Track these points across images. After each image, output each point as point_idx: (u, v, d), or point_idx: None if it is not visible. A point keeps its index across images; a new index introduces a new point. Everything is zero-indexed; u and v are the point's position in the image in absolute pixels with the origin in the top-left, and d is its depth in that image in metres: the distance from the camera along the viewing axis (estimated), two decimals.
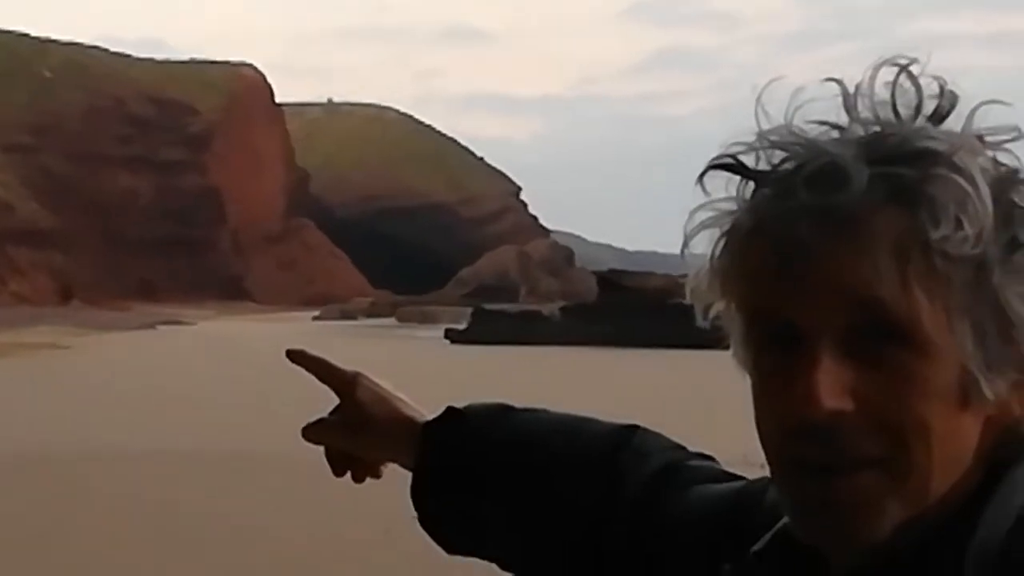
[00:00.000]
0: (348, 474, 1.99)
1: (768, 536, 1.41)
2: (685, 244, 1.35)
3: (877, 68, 1.30)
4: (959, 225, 1.22)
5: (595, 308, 74.37)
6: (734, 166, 1.33)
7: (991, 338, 1.26)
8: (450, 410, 1.91)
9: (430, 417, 1.92)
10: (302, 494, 18.35)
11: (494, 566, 1.88)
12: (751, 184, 1.32)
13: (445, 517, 1.88)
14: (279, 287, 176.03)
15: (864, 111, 1.30)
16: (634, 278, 77.33)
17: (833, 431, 1.24)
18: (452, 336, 73.38)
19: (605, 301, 73.68)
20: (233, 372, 43.07)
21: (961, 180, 1.23)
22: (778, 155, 1.30)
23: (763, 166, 1.31)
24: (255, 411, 29.75)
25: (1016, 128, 1.29)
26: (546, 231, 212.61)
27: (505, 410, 1.90)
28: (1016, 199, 1.27)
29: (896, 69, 1.30)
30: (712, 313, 1.37)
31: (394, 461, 1.95)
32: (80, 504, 17.90)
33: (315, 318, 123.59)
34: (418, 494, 1.90)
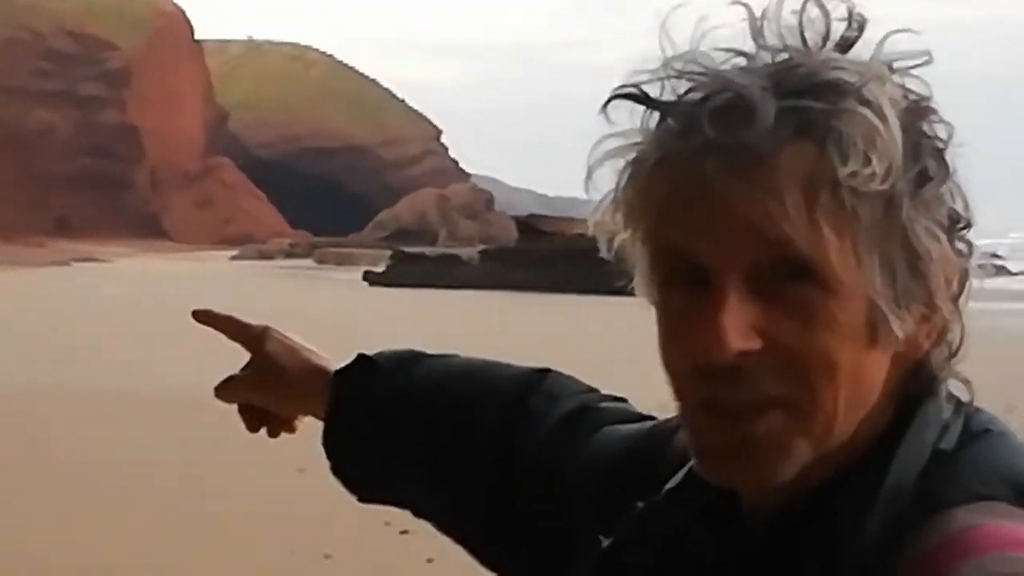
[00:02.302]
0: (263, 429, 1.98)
1: (682, 473, 1.40)
2: (589, 175, 1.32)
3: None
4: (868, 161, 1.20)
5: (514, 252, 74.31)
6: (638, 96, 1.29)
7: (900, 273, 1.24)
8: (360, 357, 1.89)
9: (340, 365, 1.90)
10: (215, 434, 18.32)
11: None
12: (655, 114, 1.29)
13: (357, 464, 1.87)
14: (197, 226, 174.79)
15: (771, 38, 1.27)
16: (554, 223, 77.23)
17: (740, 371, 1.22)
18: (371, 278, 73.12)
19: (524, 246, 73.64)
20: (148, 310, 42.75)
21: (870, 114, 1.21)
22: (683, 85, 1.27)
23: (668, 96, 1.28)
24: (168, 350, 29.58)
25: (927, 53, 1.26)
26: (466, 175, 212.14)
27: (416, 356, 1.89)
28: (925, 129, 1.26)
29: None
30: (616, 244, 1.35)
31: (307, 413, 1.94)
32: None
33: (233, 258, 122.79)
34: (330, 442, 1.89)
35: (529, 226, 77.42)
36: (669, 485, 1.41)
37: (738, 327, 1.21)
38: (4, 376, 24.36)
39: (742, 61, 1.27)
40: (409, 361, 1.88)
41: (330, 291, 64.02)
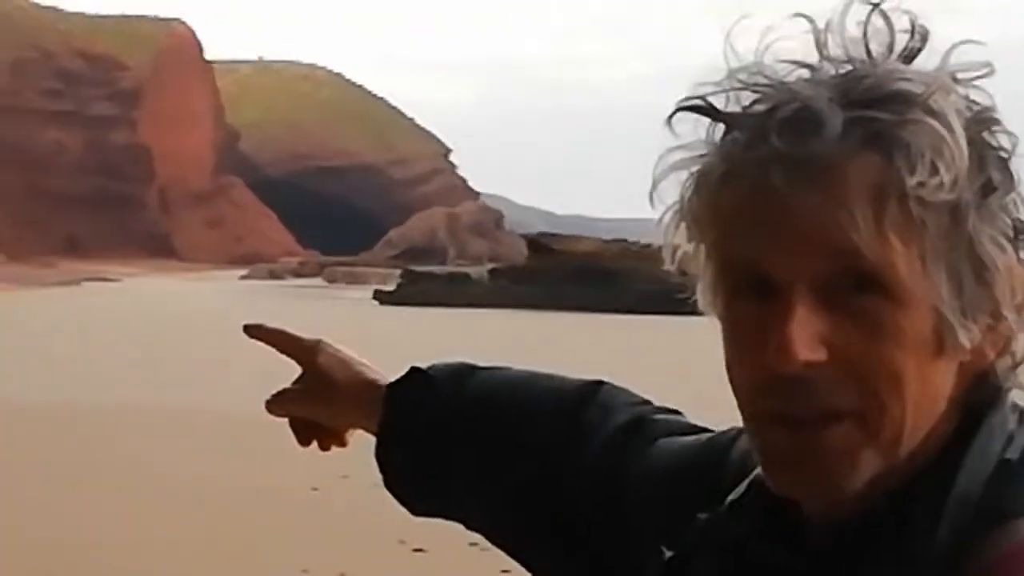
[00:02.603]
0: (314, 443, 1.95)
1: (744, 485, 1.40)
2: (654, 186, 1.32)
3: (848, 4, 1.27)
4: (935, 171, 1.20)
5: (524, 271, 74.41)
6: (704, 108, 1.29)
7: (967, 284, 1.24)
8: (414, 370, 1.89)
9: (393, 379, 1.89)
10: (229, 447, 18.34)
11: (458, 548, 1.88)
12: (720, 126, 1.28)
13: (410, 477, 1.87)
14: (206, 245, 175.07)
15: (835, 49, 1.26)
16: (563, 241, 77.38)
17: (807, 383, 1.22)
18: (381, 297, 73.24)
19: (534, 264, 73.72)
20: (159, 329, 42.81)
21: (937, 124, 1.20)
22: (748, 96, 1.27)
23: (733, 107, 1.27)
24: (180, 367, 29.61)
25: (988, 64, 1.26)
26: (475, 193, 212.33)
27: (469, 369, 1.89)
28: (989, 140, 1.25)
29: (867, 6, 1.26)
30: (678, 257, 1.33)
31: (359, 426, 1.92)
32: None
33: (242, 277, 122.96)
34: (383, 455, 1.88)
35: (539, 244, 77.55)
36: (732, 497, 1.40)
37: (805, 338, 1.21)
38: (16, 393, 24.43)
39: (806, 73, 1.26)
40: (463, 374, 1.87)
41: (340, 310, 64.08)
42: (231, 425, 20.63)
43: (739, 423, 1.42)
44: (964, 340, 1.24)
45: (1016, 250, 1.26)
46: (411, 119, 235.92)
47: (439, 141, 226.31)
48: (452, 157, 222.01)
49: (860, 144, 1.21)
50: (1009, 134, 1.27)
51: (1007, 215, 1.25)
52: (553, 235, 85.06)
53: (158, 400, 24.19)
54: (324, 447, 1.96)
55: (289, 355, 1.95)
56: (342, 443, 1.96)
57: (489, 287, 73.68)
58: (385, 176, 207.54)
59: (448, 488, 1.85)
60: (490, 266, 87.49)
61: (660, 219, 1.33)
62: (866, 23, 1.26)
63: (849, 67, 1.25)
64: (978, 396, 1.29)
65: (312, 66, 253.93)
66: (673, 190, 1.30)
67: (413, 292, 72.01)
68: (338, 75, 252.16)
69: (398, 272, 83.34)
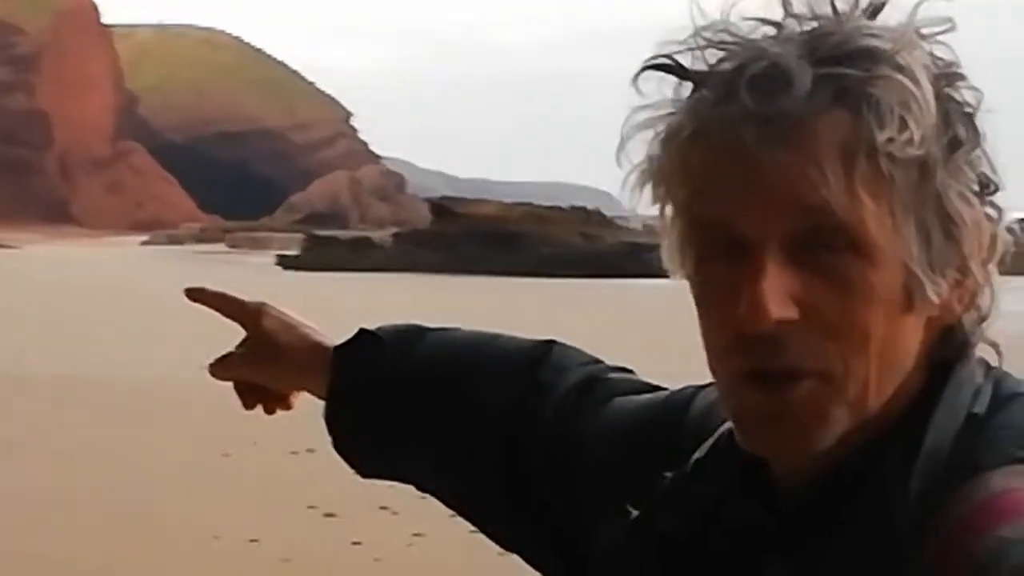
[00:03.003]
0: (259, 406, 1.96)
1: (709, 443, 1.40)
2: (621, 145, 1.31)
3: None
4: (904, 126, 1.21)
5: (427, 235, 74.28)
6: (671, 66, 1.29)
7: (935, 238, 1.25)
8: (361, 332, 1.88)
9: (341, 341, 1.89)
10: (136, 415, 18.21)
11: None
12: (687, 85, 1.28)
13: (359, 439, 1.87)
14: (107, 211, 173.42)
15: (800, 6, 1.27)
16: (467, 205, 77.29)
17: (778, 340, 1.23)
18: (285, 262, 72.85)
19: (437, 228, 73.62)
20: (58, 296, 42.37)
21: (905, 80, 1.22)
22: (715, 54, 1.27)
23: (699, 66, 1.28)
24: (80, 336, 29.34)
25: (950, 20, 1.27)
26: (377, 157, 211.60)
27: (419, 330, 1.89)
28: (955, 95, 1.26)
29: None
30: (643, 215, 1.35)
31: (306, 389, 1.93)
32: None
33: (144, 243, 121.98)
34: (332, 417, 1.88)
35: (442, 208, 77.43)
36: (697, 455, 1.41)
37: (777, 296, 1.22)
38: None
39: (772, 30, 1.27)
40: (412, 335, 1.87)
41: (243, 275, 63.58)
42: (138, 393, 20.53)
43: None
44: (932, 295, 1.25)
45: (982, 205, 1.28)
46: (312, 83, 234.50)
47: (340, 106, 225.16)
48: (353, 121, 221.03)
49: (830, 101, 1.22)
50: (974, 90, 1.27)
51: (972, 170, 1.27)
52: (456, 199, 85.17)
53: (61, 368, 23.96)
54: (269, 410, 1.96)
55: (232, 318, 1.95)
56: (287, 406, 1.96)
57: (393, 251, 73.49)
58: (286, 141, 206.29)
59: (399, 450, 1.85)
60: (393, 230, 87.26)
61: (623, 181, 1.33)
62: None
63: (814, 24, 1.26)
64: (946, 351, 1.31)
65: (212, 30, 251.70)
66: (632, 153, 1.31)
67: (316, 257, 71.67)
68: (238, 39, 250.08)
69: (301, 237, 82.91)
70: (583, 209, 78.29)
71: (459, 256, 66.42)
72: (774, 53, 1.23)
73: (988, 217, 1.29)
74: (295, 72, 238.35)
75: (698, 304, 1.30)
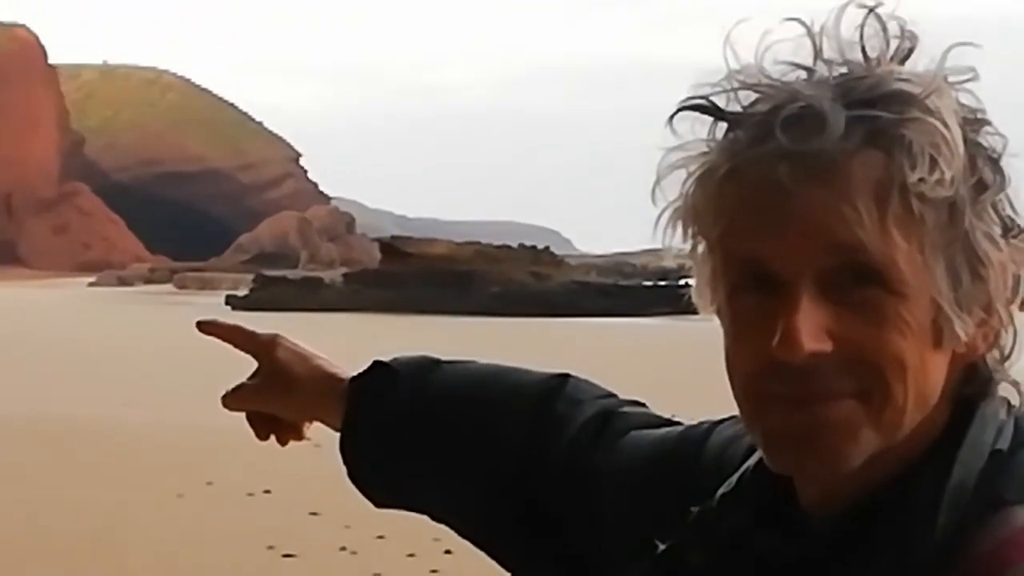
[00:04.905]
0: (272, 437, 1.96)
1: (735, 477, 1.43)
2: (657, 183, 1.34)
3: (843, 7, 1.31)
4: (934, 167, 1.24)
5: (377, 274, 74.33)
6: (707, 107, 1.32)
7: (963, 278, 1.28)
8: (376, 364, 1.89)
9: (355, 373, 1.90)
10: (88, 457, 18.09)
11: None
12: (722, 125, 1.32)
13: (374, 470, 1.87)
14: (53, 252, 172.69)
15: (830, 52, 1.31)
16: (417, 244, 77.42)
17: (812, 369, 1.26)
18: (234, 303, 72.65)
19: (387, 267, 73.65)
20: (7, 338, 42.09)
21: (936, 122, 1.25)
22: (748, 96, 1.31)
23: (734, 107, 1.31)
24: (25, 376, 29.14)
25: (973, 69, 1.31)
26: (326, 197, 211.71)
27: (433, 362, 1.90)
28: (981, 140, 1.30)
29: (863, 10, 1.31)
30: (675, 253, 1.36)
31: (319, 419, 1.93)
32: None
33: (91, 284, 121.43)
34: (347, 448, 1.88)
35: (392, 248, 77.50)
36: (723, 489, 1.43)
37: (811, 329, 1.24)
38: None
39: (803, 74, 1.30)
40: (427, 367, 1.88)
41: (191, 316, 62.82)
42: (90, 434, 20.39)
43: None
44: (960, 332, 1.29)
45: (1007, 247, 1.31)
46: (260, 123, 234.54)
47: (289, 145, 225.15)
48: (302, 162, 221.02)
49: (862, 142, 1.25)
50: (1000, 135, 1.32)
51: (998, 213, 1.30)
52: (406, 238, 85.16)
53: (10, 409, 23.78)
54: (283, 441, 1.96)
55: (245, 350, 1.95)
56: (300, 436, 1.96)
57: (343, 291, 73.48)
58: (234, 181, 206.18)
59: (413, 482, 1.86)
60: (343, 270, 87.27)
61: (657, 218, 1.36)
62: (862, 26, 1.30)
63: (845, 68, 1.30)
64: (970, 387, 1.34)
65: (158, 70, 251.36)
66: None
67: (266, 297, 71.57)
68: (185, 79, 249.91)
69: (250, 277, 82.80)
70: (533, 248, 78.66)
71: (409, 295, 66.49)
72: (808, 95, 1.27)
73: (1012, 259, 1.31)
74: (243, 112, 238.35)
75: (728, 336, 1.32)
